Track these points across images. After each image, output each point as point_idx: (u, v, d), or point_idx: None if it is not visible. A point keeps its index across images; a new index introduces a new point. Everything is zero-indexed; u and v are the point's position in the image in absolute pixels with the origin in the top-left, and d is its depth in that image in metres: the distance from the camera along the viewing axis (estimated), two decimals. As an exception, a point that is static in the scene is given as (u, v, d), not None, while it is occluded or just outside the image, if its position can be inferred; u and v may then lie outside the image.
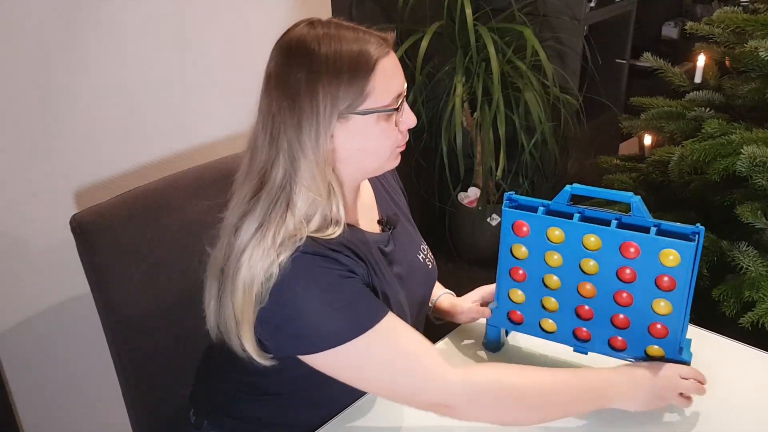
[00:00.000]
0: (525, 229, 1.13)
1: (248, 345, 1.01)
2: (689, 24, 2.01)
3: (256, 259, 0.96)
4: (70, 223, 1.17)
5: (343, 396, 1.14)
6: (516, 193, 1.15)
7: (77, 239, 1.18)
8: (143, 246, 1.22)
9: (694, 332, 1.29)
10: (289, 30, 1.02)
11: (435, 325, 1.32)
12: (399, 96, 1.02)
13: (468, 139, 2.45)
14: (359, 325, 0.98)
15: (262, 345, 1.02)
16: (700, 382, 1.09)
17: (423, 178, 2.55)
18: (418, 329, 1.15)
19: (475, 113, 2.37)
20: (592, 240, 1.08)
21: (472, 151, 2.50)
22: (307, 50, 0.98)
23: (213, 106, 1.78)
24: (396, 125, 1.03)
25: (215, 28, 1.74)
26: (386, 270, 1.11)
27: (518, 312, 1.20)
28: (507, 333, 1.28)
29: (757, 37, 1.77)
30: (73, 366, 1.68)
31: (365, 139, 1.02)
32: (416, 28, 2.35)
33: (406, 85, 1.05)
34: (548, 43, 2.49)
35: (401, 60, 2.26)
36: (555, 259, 1.12)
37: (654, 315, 1.09)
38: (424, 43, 2.26)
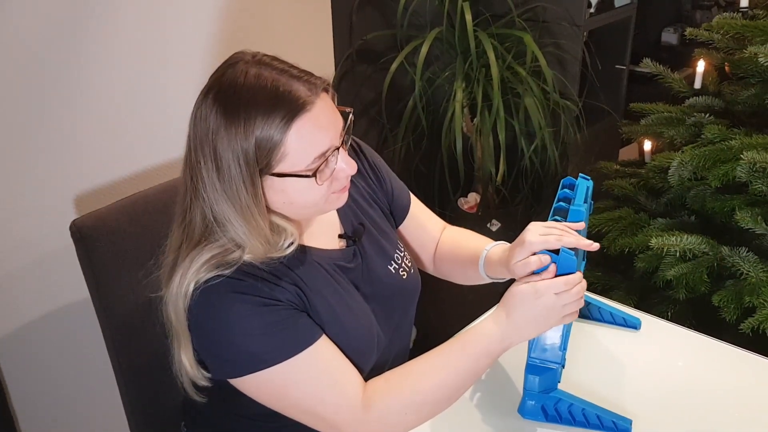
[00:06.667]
0: None
1: (186, 366, 1.02)
2: (689, 30, 2.02)
3: (180, 280, 0.96)
4: (70, 228, 1.17)
5: None
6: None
7: (77, 245, 1.18)
8: (143, 251, 1.22)
9: (695, 338, 1.29)
10: (225, 65, 0.95)
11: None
12: (323, 154, 0.94)
13: (468, 145, 2.45)
14: (278, 352, 0.96)
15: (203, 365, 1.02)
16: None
17: (423, 184, 2.55)
18: (395, 343, 1.10)
19: (475, 119, 2.37)
20: None
21: (471, 157, 2.50)
22: (226, 98, 0.91)
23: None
24: (323, 181, 0.95)
25: (211, 32, 1.74)
26: (340, 289, 1.06)
27: None
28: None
29: (757, 42, 1.78)
30: (73, 371, 1.67)
31: (289, 196, 0.96)
32: (416, 34, 2.36)
33: (342, 130, 0.97)
34: (548, 49, 2.49)
35: (401, 67, 2.30)
36: None
37: None
38: (424, 49, 2.26)
